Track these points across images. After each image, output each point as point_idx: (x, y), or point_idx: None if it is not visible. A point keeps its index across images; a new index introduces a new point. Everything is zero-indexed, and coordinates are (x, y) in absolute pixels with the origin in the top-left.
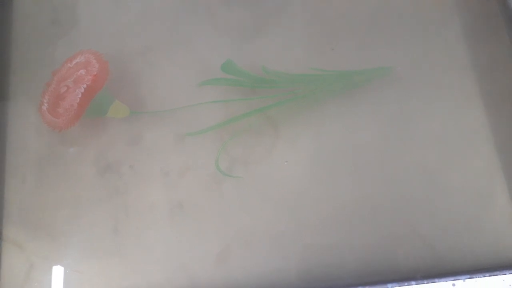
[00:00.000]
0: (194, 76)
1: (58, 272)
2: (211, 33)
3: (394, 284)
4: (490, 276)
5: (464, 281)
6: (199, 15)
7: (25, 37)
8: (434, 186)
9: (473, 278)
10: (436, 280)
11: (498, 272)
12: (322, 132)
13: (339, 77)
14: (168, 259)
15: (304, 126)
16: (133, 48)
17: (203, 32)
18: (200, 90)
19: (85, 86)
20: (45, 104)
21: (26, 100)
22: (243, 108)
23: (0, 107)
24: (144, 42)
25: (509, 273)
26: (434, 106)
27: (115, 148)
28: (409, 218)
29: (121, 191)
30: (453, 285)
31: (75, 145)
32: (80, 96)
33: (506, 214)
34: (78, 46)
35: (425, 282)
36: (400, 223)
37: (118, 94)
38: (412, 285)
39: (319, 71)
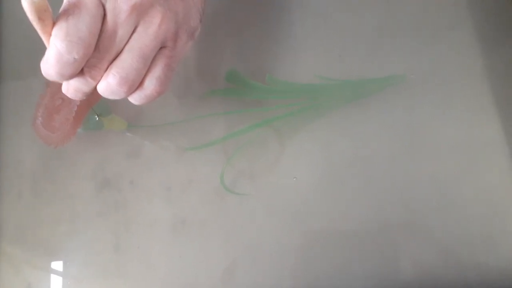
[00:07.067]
0: (196, 87)
1: None
2: (213, 41)
3: None
4: None
5: None
6: (201, 22)
7: (14, 42)
8: (448, 199)
9: None
10: None
11: None
12: (330, 144)
13: (348, 86)
14: (172, 277)
15: (312, 138)
16: None
17: (205, 40)
18: (202, 102)
19: None
20: (39, 118)
21: (18, 112)
22: (248, 120)
23: None
24: None
25: None
26: (447, 115)
27: (114, 162)
28: (423, 233)
29: (121, 207)
30: None
31: (72, 158)
32: (75, 109)
33: None
34: None
35: None
36: (415, 238)
37: (115, 107)
38: None
39: (327, 80)
